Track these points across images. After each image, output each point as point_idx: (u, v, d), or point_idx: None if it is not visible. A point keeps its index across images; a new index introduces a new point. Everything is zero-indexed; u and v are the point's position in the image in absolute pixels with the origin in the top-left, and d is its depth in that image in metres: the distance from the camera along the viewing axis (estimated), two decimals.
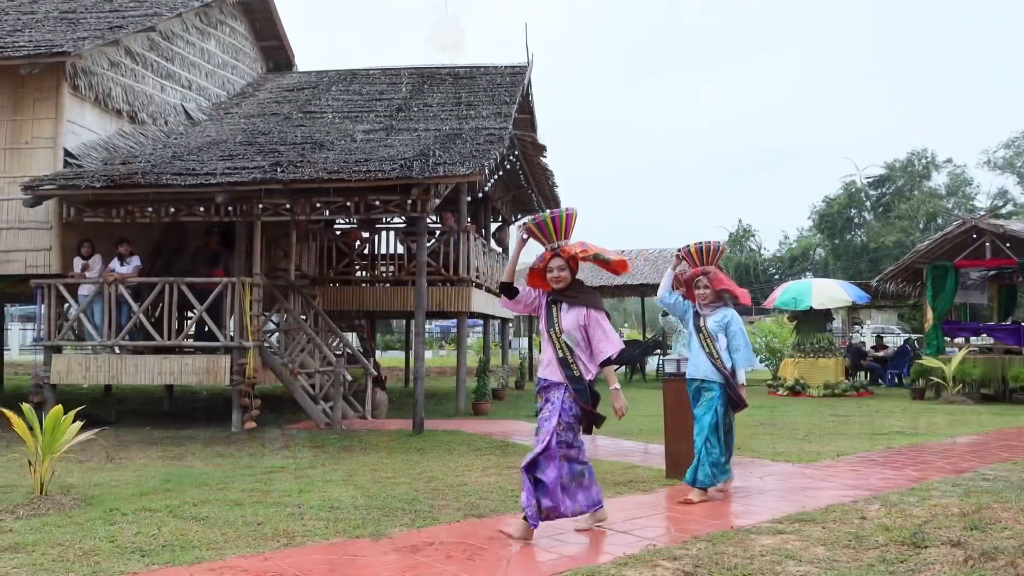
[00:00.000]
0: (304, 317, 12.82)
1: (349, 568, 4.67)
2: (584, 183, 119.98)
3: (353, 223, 15.85)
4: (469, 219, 14.31)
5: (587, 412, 5.11)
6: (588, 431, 5.21)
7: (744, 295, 6.90)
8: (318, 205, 10.98)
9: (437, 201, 10.79)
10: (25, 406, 6.61)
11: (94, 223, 11.53)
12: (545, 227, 5.23)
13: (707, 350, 6.54)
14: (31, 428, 6.42)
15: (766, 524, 5.59)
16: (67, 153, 11.70)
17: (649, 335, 25.28)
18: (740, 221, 53.87)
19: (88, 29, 12.87)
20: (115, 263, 11.37)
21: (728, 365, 6.51)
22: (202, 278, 11.41)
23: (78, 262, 11.39)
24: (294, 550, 5.07)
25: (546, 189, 17.18)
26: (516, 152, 14.29)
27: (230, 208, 10.97)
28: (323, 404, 11.57)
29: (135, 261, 11.51)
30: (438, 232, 14.46)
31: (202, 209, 11.15)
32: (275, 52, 18.67)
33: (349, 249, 14.59)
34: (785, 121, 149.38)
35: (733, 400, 6.55)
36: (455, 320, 16.02)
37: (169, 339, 11.01)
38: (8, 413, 6.49)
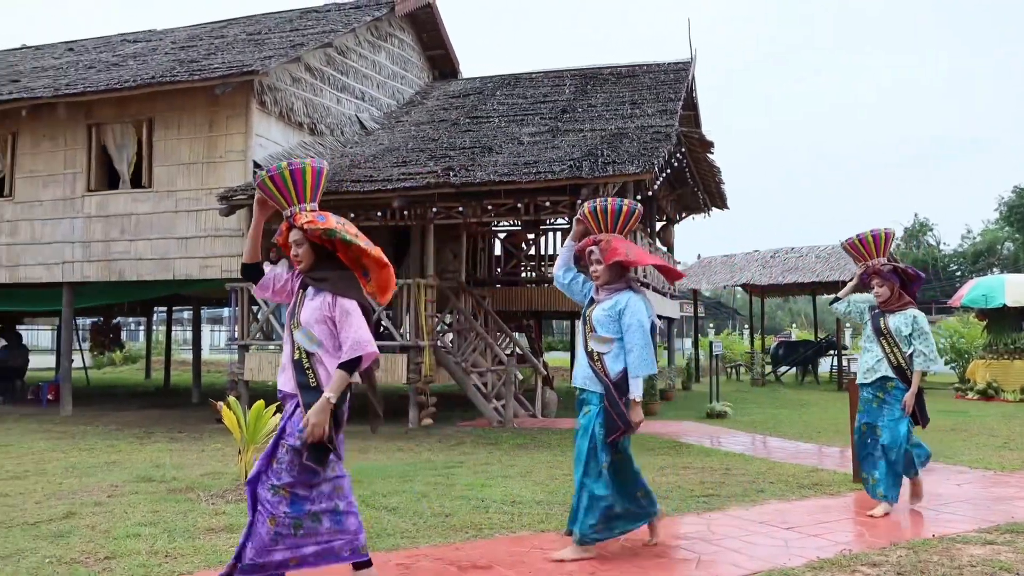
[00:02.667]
0: (475, 317, 13.12)
1: (537, 561, 4.75)
2: (747, 174, 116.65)
3: (518, 225, 16.12)
4: None
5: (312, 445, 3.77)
6: (317, 462, 3.79)
7: (672, 271, 5.42)
8: (489, 207, 11.23)
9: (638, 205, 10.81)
10: (231, 399, 7.10)
11: None
12: (281, 184, 3.85)
13: (587, 348, 4.81)
14: (237, 420, 6.88)
15: (972, 534, 5.26)
16: (256, 165, 12.50)
17: (822, 335, 24.26)
18: (916, 215, 50.96)
19: (272, 48, 13.71)
20: None
21: (612, 370, 4.68)
22: None
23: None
24: (483, 541, 5.20)
25: (712, 186, 16.85)
26: (682, 149, 14.10)
27: (405, 212, 11.40)
28: (495, 402, 11.80)
29: None
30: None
31: (379, 214, 11.65)
32: (441, 61, 19.22)
33: (516, 250, 14.83)
34: (960, 108, 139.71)
35: (613, 421, 4.63)
36: None
37: None
38: (221, 405, 6.98)
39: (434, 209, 11.36)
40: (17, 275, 13.89)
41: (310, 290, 3.94)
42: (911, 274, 6.17)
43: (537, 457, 8.74)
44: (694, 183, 16.40)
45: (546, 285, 14.81)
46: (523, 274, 15.48)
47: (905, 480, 6.09)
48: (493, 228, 15.62)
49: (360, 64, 15.93)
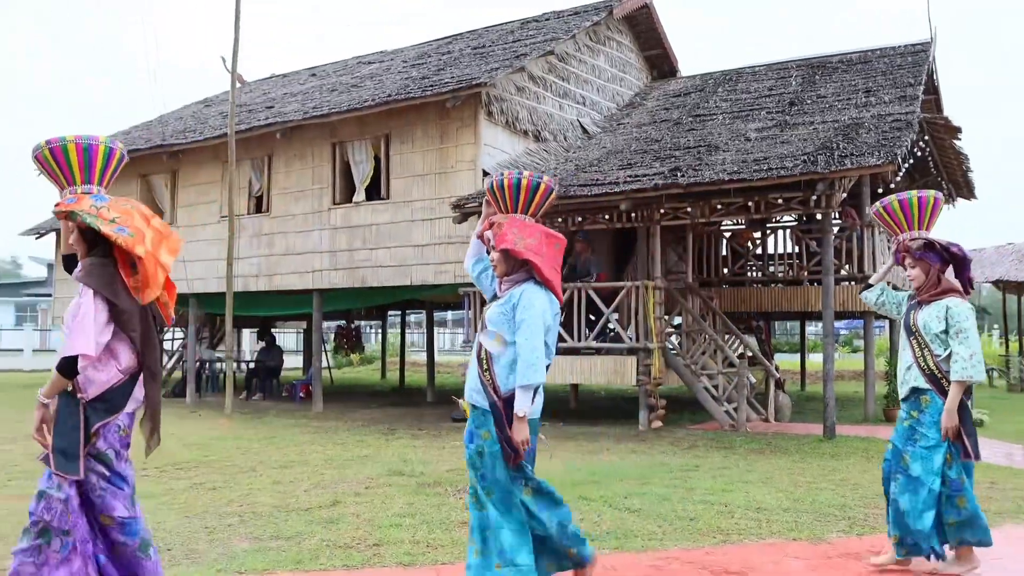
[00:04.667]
0: (703, 318, 12.89)
1: (792, 570, 4.59)
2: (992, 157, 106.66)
3: (742, 223, 15.67)
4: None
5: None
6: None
7: (548, 270, 3.91)
8: (717, 207, 11.00)
9: (843, 195, 10.28)
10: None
11: None
12: (64, 162, 3.54)
13: (478, 354, 3.97)
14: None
15: None
16: (485, 173, 12.96)
17: None
18: None
19: (497, 60, 14.17)
20: None
21: (504, 385, 3.82)
22: (608, 283, 11.97)
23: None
24: (732, 547, 5.11)
25: (958, 175, 15.57)
26: (925, 137, 13.14)
27: (632, 214, 11.42)
28: (726, 405, 11.54)
29: None
30: (836, 228, 13.75)
31: (606, 217, 11.73)
32: (659, 60, 19.07)
33: (743, 249, 14.45)
34: None
35: (503, 445, 3.76)
36: (853, 321, 15.10)
37: (578, 341, 11.68)
38: (463, 403, 7.29)
39: (661, 210, 11.29)
40: (274, 283, 15.24)
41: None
42: (956, 255, 4.60)
43: (776, 463, 8.45)
44: (937, 173, 15.24)
45: (774, 285, 14.30)
46: (750, 274, 15.02)
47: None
48: (719, 227, 15.28)
49: (580, 69, 16.11)
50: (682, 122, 14.88)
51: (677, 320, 13.29)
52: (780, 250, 14.87)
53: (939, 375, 4.47)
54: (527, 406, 3.73)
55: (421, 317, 39.98)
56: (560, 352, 11.84)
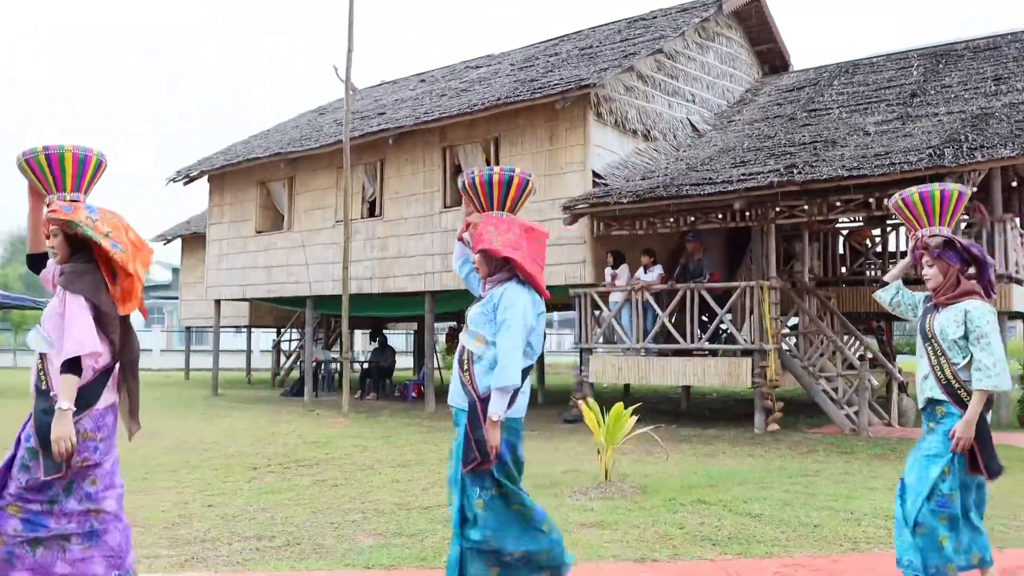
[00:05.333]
0: (820, 319, 12.52)
1: None
2: None
3: (860, 221, 15.15)
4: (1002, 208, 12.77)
5: (44, 447, 3.42)
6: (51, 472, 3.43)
7: (530, 265, 3.81)
8: (836, 204, 10.67)
9: (973, 189, 9.81)
10: (590, 400, 7.40)
11: (620, 236, 12.58)
12: (37, 169, 3.68)
13: (460, 355, 3.92)
14: (597, 421, 7.15)
15: None
16: (594, 174, 12.93)
17: None
18: None
19: (605, 60, 14.12)
20: (640, 272, 12.27)
21: (482, 384, 3.76)
22: (721, 283, 11.77)
23: (608, 272, 12.51)
24: (862, 556, 4.95)
25: None
26: None
27: (746, 213, 11.20)
28: (846, 409, 11.17)
29: (657, 270, 12.29)
30: (964, 224, 13.13)
31: (719, 216, 11.54)
32: (770, 55, 18.62)
33: (861, 247, 13.97)
34: None
35: (469, 446, 3.69)
36: None
37: (691, 342, 11.52)
38: (580, 404, 7.31)
39: (776, 208, 11.03)
40: (387, 285, 15.59)
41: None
42: (976, 256, 4.19)
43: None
44: None
45: None
46: (869, 273, 14.51)
47: None
48: (836, 226, 14.82)
49: (689, 67, 15.89)
50: (796, 117, 14.49)
51: (793, 321, 12.94)
52: (902, 248, 14.31)
53: (956, 385, 4.03)
54: (501, 409, 3.66)
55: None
56: (672, 353, 11.73)
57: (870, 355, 12.36)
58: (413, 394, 17.27)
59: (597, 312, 12.64)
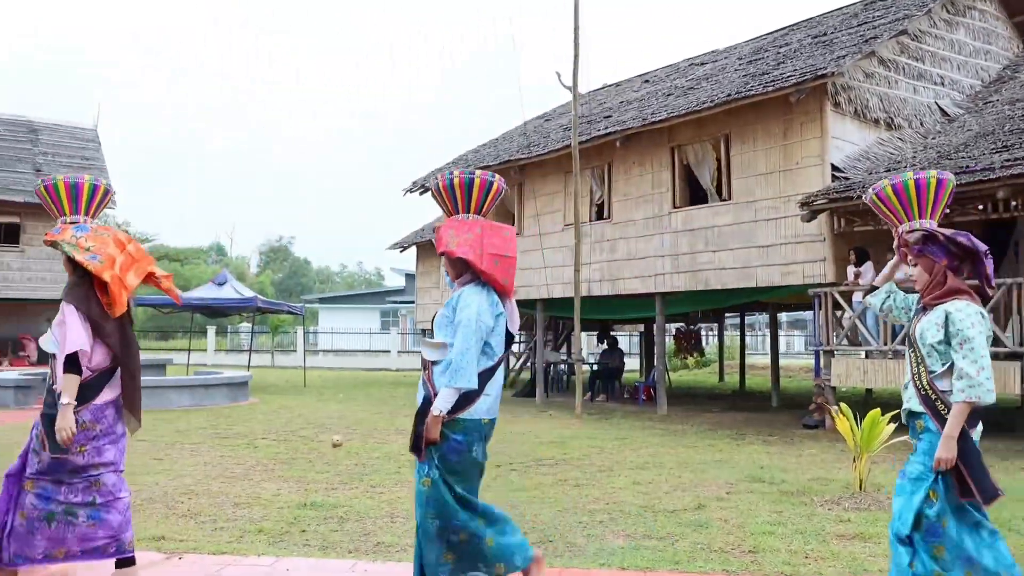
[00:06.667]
0: None
1: None
2: None
3: None
4: None
5: (49, 433, 4.08)
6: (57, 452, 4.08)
7: (487, 264, 3.83)
8: None
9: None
10: (843, 406, 7.05)
11: (863, 232, 11.89)
12: (54, 195, 4.45)
13: (423, 357, 3.97)
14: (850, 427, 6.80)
15: None
16: (833, 168, 12.31)
17: None
18: None
19: (842, 47, 13.40)
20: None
21: (439, 384, 3.77)
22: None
23: (850, 270, 11.86)
24: None
25: None
26: None
27: (1011, 202, 10.23)
28: None
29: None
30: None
31: (979, 207, 10.63)
32: None
33: None
34: None
35: (413, 436, 3.83)
36: None
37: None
38: (835, 410, 7.00)
39: None
40: (617, 287, 15.66)
41: None
42: (964, 246, 3.65)
43: None
44: None
45: None
46: None
47: None
48: None
49: (936, 46, 14.75)
50: None
51: None
52: None
53: (934, 396, 3.55)
54: (444, 405, 3.68)
55: (752, 319, 39.12)
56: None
57: None
58: (643, 396, 17.22)
59: (839, 313, 12.01)
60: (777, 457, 9.32)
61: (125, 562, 4.24)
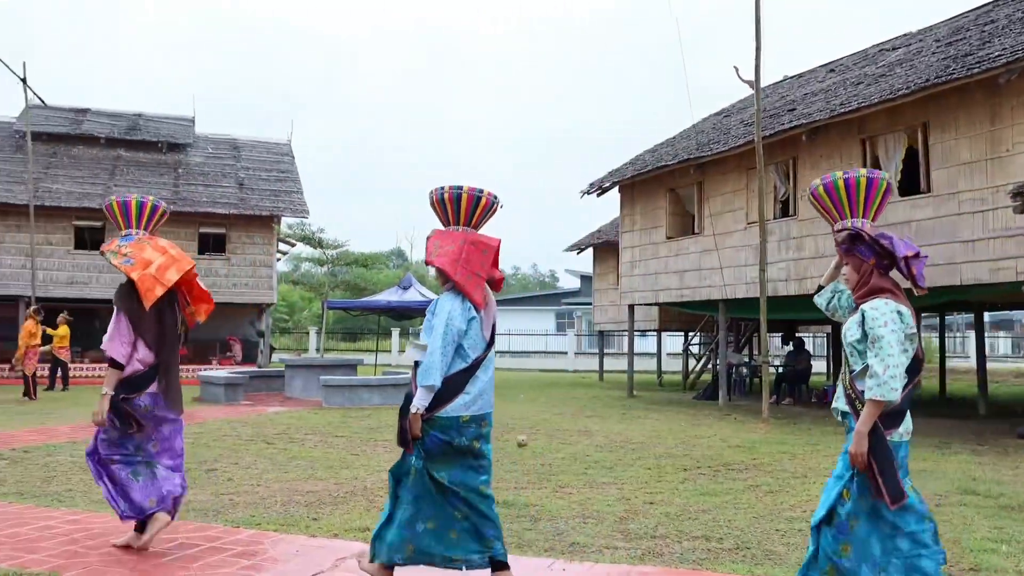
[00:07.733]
0: None
1: None
2: None
3: None
4: None
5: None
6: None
7: (460, 276, 4.10)
8: None
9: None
10: None
11: None
12: (120, 211, 5.31)
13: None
14: None
15: None
16: None
17: None
18: None
19: None
20: None
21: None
22: None
23: None
24: None
25: None
26: None
27: None
28: None
29: None
30: None
31: None
32: None
33: None
34: None
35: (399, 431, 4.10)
36: None
37: None
38: None
39: None
40: (804, 287, 15.01)
41: None
42: (885, 248, 3.66)
43: None
44: None
45: None
46: None
47: None
48: None
49: None
50: None
51: None
52: None
53: (853, 396, 3.60)
54: (420, 403, 3.94)
55: (951, 319, 36.44)
56: None
57: None
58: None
59: None
60: (990, 469, 8.65)
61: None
